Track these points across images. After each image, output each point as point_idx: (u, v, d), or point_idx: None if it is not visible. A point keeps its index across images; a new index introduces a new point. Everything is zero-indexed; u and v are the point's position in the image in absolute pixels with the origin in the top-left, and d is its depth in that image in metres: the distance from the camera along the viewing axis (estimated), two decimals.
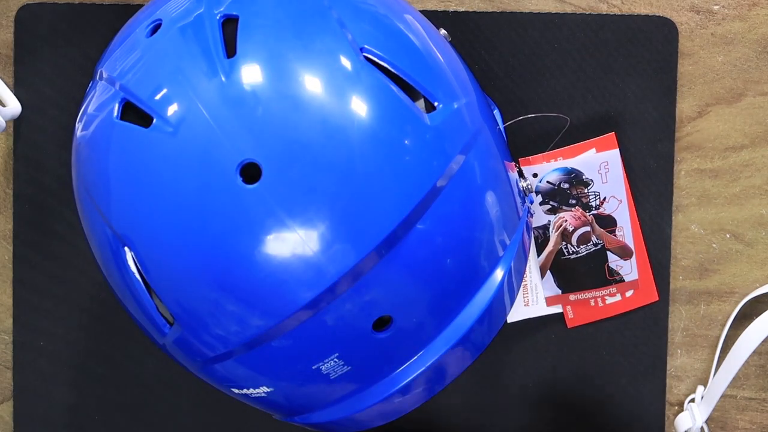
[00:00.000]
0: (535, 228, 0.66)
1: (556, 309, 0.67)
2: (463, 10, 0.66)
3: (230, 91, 0.46)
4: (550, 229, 0.66)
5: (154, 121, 0.46)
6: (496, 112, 0.61)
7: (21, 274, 0.67)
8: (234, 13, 0.47)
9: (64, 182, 0.67)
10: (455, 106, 0.50)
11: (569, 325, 0.67)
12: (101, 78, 0.51)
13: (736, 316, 0.67)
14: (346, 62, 0.47)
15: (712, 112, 0.66)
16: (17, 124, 0.67)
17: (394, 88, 0.47)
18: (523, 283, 0.66)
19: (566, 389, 0.68)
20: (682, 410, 0.67)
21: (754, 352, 0.63)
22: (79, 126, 0.51)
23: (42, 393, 0.68)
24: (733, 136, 0.66)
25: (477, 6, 0.66)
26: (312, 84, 0.46)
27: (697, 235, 0.67)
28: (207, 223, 0.45)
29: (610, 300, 0.67)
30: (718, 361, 0.67)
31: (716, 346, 0.67)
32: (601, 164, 0.65)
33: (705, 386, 0.67)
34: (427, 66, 0.50)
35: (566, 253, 0.66)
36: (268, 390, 0.50)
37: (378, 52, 0.48)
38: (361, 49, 0.47)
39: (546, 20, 0.66)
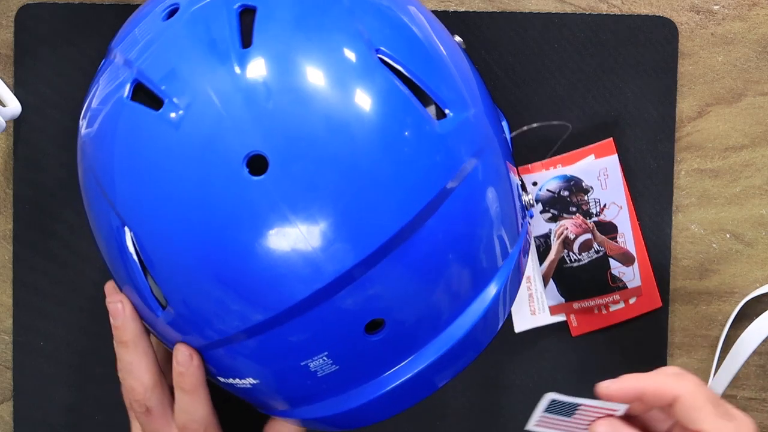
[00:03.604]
0: (536, 237, 0.66)
1: (561, 317, 0.67)
2: (463, 10, 0.66)
3: (243, 82, 0.45)
4: (552, 238, 0.66)
5: (165, 104, 0.46)
6: (504, 123, 0.61)
7: (21, 274, 0.67)
8: (252, 3, 0.47)
9: (64, 183, 0.67)
10: (466, 115, 0.49)
11: (574, 334, 0.67)
12: (114, 57, 0.50)
13: (736, 316, 0.67)
14: (360, 61, 0.47)
15: (712, 112, 0.66)
16: (17, 124, 0.67)
17: (406, 91, 0.47)
18: (528, 292, 0.66)
19: (566, 389, 0.67)
20: None
21: (754, 352, 0.63)
22: (88, 102, 0.51)
23: (42, 393, 0.68)
24: (733, 136, 0.66)
25: (477, 6, 0.66)
26: (324, 81, 0.46)
27: (697, 235, 0.67)
28: (209, 210, 0.45)
29: (613, 307, 0.66)
30: (718, 361, 0.67)
31: (716, 346, 0.67)
32: (600, 171, 0.65)
33: None
34: (441, 73, 0.50)
35: (568, 262, 0.66)
36: (254, 382, 0.50)
37: (393, 54, 0.48)
38: (377, 50, 0.47)
39: (546, 20, 0.66)
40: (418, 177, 0.46)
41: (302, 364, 0.48)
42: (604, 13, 0.66)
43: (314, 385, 0.50)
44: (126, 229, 0.48)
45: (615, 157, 0.65)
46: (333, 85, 0.46)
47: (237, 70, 0.45)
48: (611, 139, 0.65)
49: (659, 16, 0.66)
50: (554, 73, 0.66)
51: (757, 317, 0.64)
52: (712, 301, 0.67)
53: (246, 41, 0.46)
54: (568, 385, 0.67)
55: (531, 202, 0.57)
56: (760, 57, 0.66)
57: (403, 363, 0.50)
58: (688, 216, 0.67)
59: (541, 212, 0.65)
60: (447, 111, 0.49)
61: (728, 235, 0.67)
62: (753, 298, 0.67)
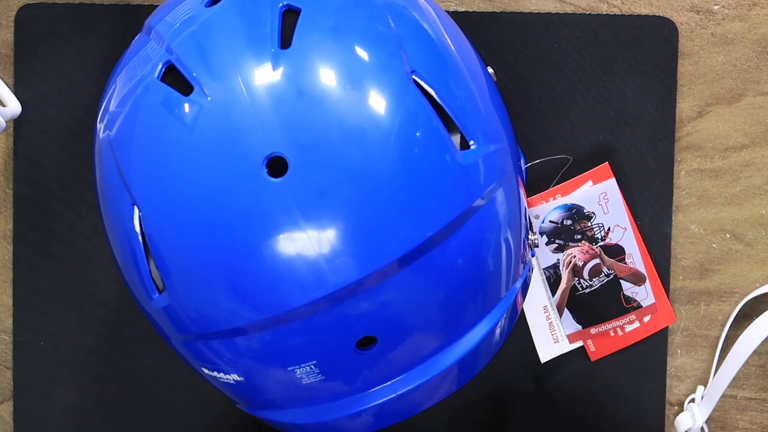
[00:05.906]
0: (545, 268, 0.66)
1: (581, 344, 0.67)
2: (463, 10, 0.66)
3: (276, 82, 0.45)
4: (561, 267, 0.66)
5: (194, 90, 0.46)
6: (521, 160, 0.60)
7: (21, 274, 0.67)
8: (297, 5, 0.47)
9: (64, 182, 0.67)
10: (489, 149, 0.49)
11: (592, 359, 0.67)
12: (149, 34, 0.50)
13: (736, 316, 0.67)
14: (394, 81, 0.46)
15: (712, 112, 0.66)
16: (17, 124, 0.67)
17: (434, 116, 0.47)
18: (548, 321, 0.66)
19: (566, 389, 0.67)
20: (682, 410, 0.67)
21: (754, 352, 0.63)
22: (116, 75, 0.50)
23: (42, 393, 0.68)
24: (733, 136, 0.66)
25: (477, 6, 0.66)
26: (355, 95, 0.46)
27: (697, 235, 0.67)
28: (221, 203, 0.45)
29: (629, 328, 0.66)
30: (718, 361, 0.67)
31: (716, 346, 0.67)
32: (600, 196, 0.65)
33: (705, 386, 0.67)
34: (471, 104, 0.50)
35: (580, 289, 0.66)
36: (239, 379, 0.50)
37: (427, 79, 0.47)
38: (412, 71, 0.47)
39: (546, 20, 0.66)
40: (431, 204, 0.46)
41: (289, 369, 0.48)
42: (604, 13, 0.66)
43: (297, 391, 0.50)
44: (135, 208, 0.48)
45: (613, 181, 0.65)
46: (363, 100, 0.46)
47: (271, 69, 0.45)
48: (607, 163, 0.65)
49: (659, 16, 0.66)
50: (554, 73, 0.66)
51: (757, 317, 0.64)
52: (712, 301, 0.67)
53: (285, 42, 0.46)
54: (567, 386, 0.67)
55: (536, 242, 0.57)
56: (760, 57, 0.66)
57: (387, 383, 0.50)
58: (688, 216, 0.67)
59: (547, 244, 0.65)
60: (471, 143, 0.49)
61: (728, 235, 0.67)
62: (753, 298, 0.67)
